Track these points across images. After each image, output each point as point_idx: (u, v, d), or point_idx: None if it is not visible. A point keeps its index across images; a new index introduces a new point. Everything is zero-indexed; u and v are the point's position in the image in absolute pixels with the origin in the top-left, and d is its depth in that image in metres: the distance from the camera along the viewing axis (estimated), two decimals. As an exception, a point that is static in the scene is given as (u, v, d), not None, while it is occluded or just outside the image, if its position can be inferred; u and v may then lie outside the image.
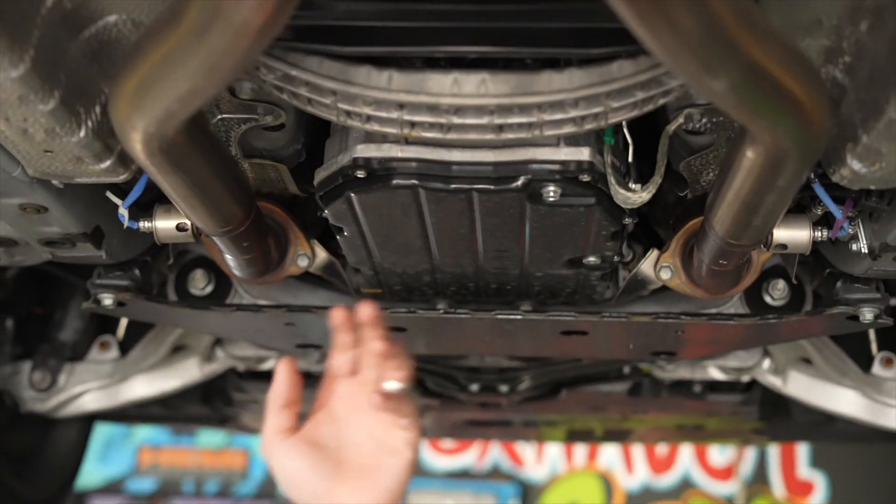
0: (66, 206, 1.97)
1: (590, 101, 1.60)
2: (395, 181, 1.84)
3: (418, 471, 6.80)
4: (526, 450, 7.30)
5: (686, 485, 7.23)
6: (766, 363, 3.16)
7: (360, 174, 1.84)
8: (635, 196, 1.89)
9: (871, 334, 3.12)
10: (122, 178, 1.81)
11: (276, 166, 2.05)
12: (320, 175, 1.94)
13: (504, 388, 3.26)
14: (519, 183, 1.84)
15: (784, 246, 2.11)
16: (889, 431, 3.16)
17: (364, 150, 1.83)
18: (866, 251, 2.05)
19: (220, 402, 3.57)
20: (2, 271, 3.00)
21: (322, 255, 2.35)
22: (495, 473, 7.35)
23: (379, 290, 2.49)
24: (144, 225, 2.10)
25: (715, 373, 3.26)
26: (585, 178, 1.84)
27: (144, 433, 7.33)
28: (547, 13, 1.52)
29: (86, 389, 3.22)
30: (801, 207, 2.13)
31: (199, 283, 2.64)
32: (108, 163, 1.74)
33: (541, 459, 7.31)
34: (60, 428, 3.55)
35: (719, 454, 7.15)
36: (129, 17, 1.53)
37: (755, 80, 1.31)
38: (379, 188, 1.86)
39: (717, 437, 4.53)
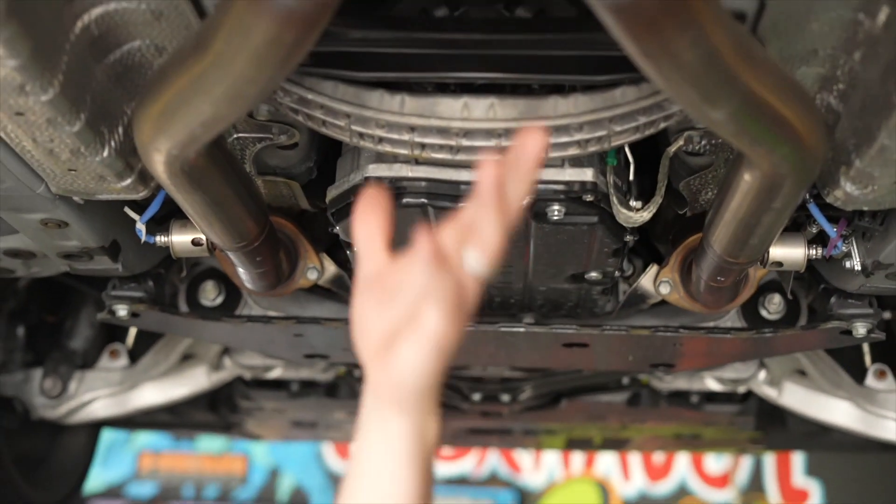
0: (86, 221, 2.03)
1: (594, 126, 1.67)
2: (405, 200, 1.90)
3: None
4: (524, 457, 7.32)
5: (682, 492, 7.25)
6: (762, 375, 3.23)
7: None
8: (636, 215, 1.95)
9: (865, 347, 3.18)
10: (141, 195, 1.87)
11: (289, 183, 2.11)
12: (332, 193, 2.01)
13: (506, 397, 3.32)
14: (524, 202, 1.90)
15: (780, 263, 2.18)
16: (882, 442, 3.22)
17: (375, 170, 1.90)
18: (859, 269, 2.11)
19: (226, 409, 3.62)
20: (14, 281, 3.06)
21: (331, 268, 2.41)
22: (493, 480, 7.37)
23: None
24: (161, 239, 2.16)
25: (712, 384, 3.31)
26: (589, 197, 1.90)
27: (145, 438, 7.34)
28: (553, 42, 1.58)
29: (96, 396, 3.27)
30: (796, 225, 2.19)
31: (210, 294, 2.69)
32: (128, 181, 1.80)
33: (538, 466, 7.34)
34: (70, 434, 3.60)
35: (715, 462, 7.17)
36: (152, 42, 1.59)
37: (753, 109, 1.37)
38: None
39: (713, 446, 4.57)
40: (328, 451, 7.33)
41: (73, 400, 3.26)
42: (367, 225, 1.40)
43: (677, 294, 2.38)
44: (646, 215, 1.96)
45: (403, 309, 1.28)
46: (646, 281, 2.41)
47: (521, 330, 2.50)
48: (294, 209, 2.29)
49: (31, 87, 1.46)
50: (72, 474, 3.71)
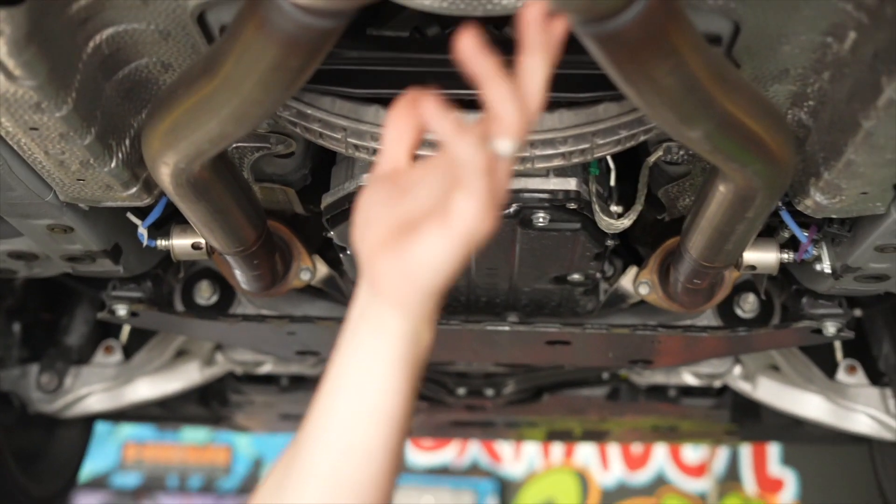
0: (90, 227, 2.11)
1: (577, 139, 1.76)
2: None
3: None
4: (504, 447, 7.40)
5: (660, 482, 7.34)
6: (737, 370, 3.32)
7: None
8: (617, 223, 2.05)
9: (837, 343, 3.28)
10: (145, 202, 1.96)
11: (285, 189, 2.20)
12: (327, 200, 2.09)
13: (490, 392, 3.40)
14: (511, 210, 2.00)
15: (753, 267, 2.28)
16: (852, 434, 3.32)
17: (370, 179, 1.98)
18: (829, 272, 2.21)
19: (216, 402, 3.69)
20: (11, 279, 3.13)
21: (323, 269, 2.49)
22: (474, 470, 7.45)
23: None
24: (162, 243, 2.24)
25: (689, 378, 3.40)
26: (572, 206, 2.00)
27: (129, 429, 7.38)
28: None
29: (90, 391, 3.34)
30: (770, 229, 2.29)
31: (205, 293, 2.77)
32: (134, 189, 1.88)
33: (519, 457, 7.42)
34: (64, 428, 3.65)
35: (693, 452, 7.26)
36: (159, 59, 1.67)
37: (727, 129, 1.47)
38: None
39: (690, 437, 4.67)
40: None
41: (68, 395, 3.32)
42: (400, 126, 1.29)
43: (655, 295, 2.48)
44: (626, 222, 2.05)
45: (426, 200, 1.18)
46: (626, 281, 2.51)
47: (506, 329, 2.59)
48: (288, 212, 2.37)
49: (47, 105, 1.54)
50: (67, 467, 3.77)
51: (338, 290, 2.58)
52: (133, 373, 3.33)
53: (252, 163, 2.08)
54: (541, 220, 2.01)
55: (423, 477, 7.41)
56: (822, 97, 1.69)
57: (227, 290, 2.78)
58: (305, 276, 2.47)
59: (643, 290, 2.48)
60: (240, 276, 2.32)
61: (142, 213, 2.16)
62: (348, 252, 2.25)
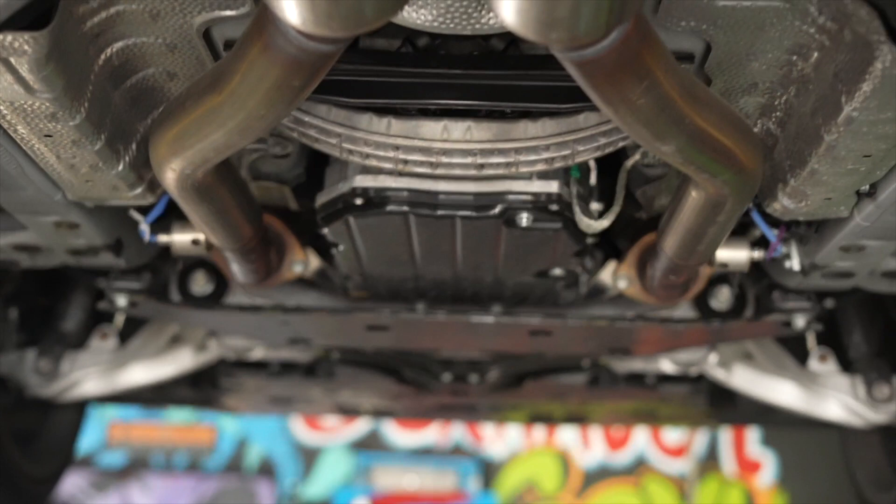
0: (95, 223, 2.21)
1: (559, 146, 1.87)
2: (388, 208, 2.10)
3: (382, 447, 6.96)
4: (487, 429, 7.50)
5: (640, 463, 7.45)
6: (713, 357, 3.42)
7: (358, 201, 2.09)
8: (596, 224, 2.16)
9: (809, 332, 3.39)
10: (149, 201, 2.06)
11: (281, 187, 2.30)
12: (321, 199, 2.19)
13: (474, 378, 3.50)
14: (496, 210, 2.10)
15: (726, 264, 2.39)
16: (823, 421, 3.43)
17: (362, 181, 2.09)
18: (798, 269, 2.32)
19: (207, 385, 3.77)
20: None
21: (315, 262, 2.59)
22: (457, 450, 7.55)
23: (365, 292, 2.73)
24: (163, 239, 2.34)
25: (666, 366, 3.50)
26: (554, 207, 2.10)
27: (115, 409, 7.42)
28: (523, 74, 1.77)
29: (86, 375, 3.40)
30: (743, 227, 2.40)
31: (200, 283, 2.85)
32: (139, 190, 1.99)
33: (501, 438, 7.52)
34: (60, 411, 3.74)
35: (672, 434, 7.36)
36: (165, 69, 1.77)
37: (698, 143, 1.58)
38: (374, 213, 2.11)
39: (669, 420, 4.77)
40: (296, 422, 7.49)
41: (64, 379, 3.38)
42: None
43: (633, 288, 2.59)
44: (605, 223, 2.16)
45: None
46: (605, 275, 2.62)
47: (491, 320, 2.70)
48: (282, 207, 2.47)
49: (61, 115, 1.64)
50: (62, 448, 3.85)
51: (329, 280, 2.68)
52: (128, 358, 3.40)
53: (250, 162, 2.18)
54: (524, 220, 2.12)
55: (406, 457, 7.52)
56: (789, 110, 1.79)
57: (221, 280, 2.85)
58: (298, 269, 2.57)
59: (622, 284, 2.59)
60: (236, 270, 2.42)
61: (144, 209, 2.25)
62: (341, 248, 2.35)
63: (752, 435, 7.31)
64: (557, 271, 2.49)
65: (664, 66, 1.43)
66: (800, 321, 2.68)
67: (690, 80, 1.54)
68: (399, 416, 5.03)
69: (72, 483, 7.17)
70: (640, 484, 7.44)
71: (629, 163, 2.13)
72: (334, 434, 7.59)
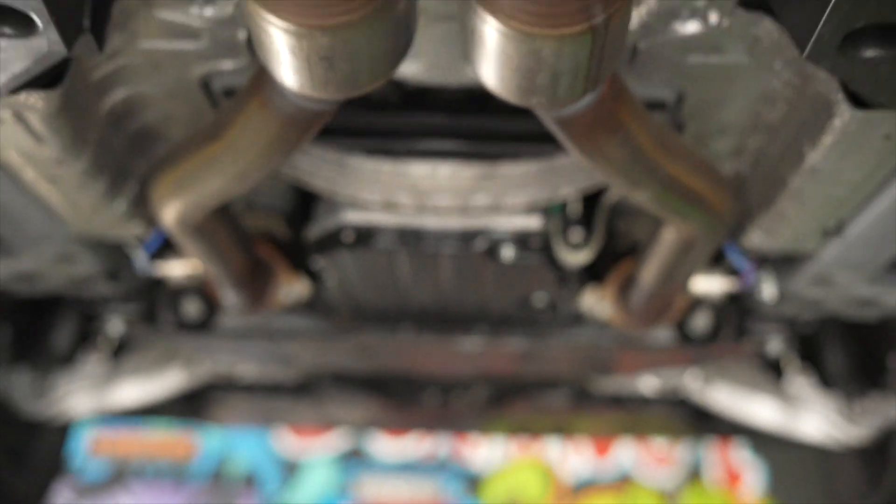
0: (94, 254, 2.29)
1: (542, 186, 1.96)
2: (377, 243, 2.19)
3: (366, 458, 6.95)
4: (471, 441, 7.55)
5: (626, 475, 7.50)
6: (693, 376, 3.52)
7: (348, 236, 2.18)
8: (576, 258, 2.25)
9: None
10: (146, 235, 2.14)
11: (273, 217, 2.38)
12: (313, 232, 2.28)
13: (459, 394, 3.59)
14: (480, 246, 2.20)
15: (701, 293, 2.50)
16: (799, 437, 3.53)
17: (352, 217, 2.18)
18: (770, 298, 2.42)
19: (196, 400, 3.84)
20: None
21: (304, 287, 2.67)
22: (441, 463, 7.59)
23: (354, 317, 2.81)
24: (159, 270, 2.42)
25: (647, 383, 3.60)
26: (536, 243, 2.20)
27: (96, 420, 7.46)
28: (507, 120, 1.87)
29: (76, 393, 3.45)
30: (719, 256, 2.49)
31: (191, 307, 2.92)
32: (137, 225, 2.07)
33: (486, 450, 7.57)
34: (50, 427, 3.78)
35: (657, 446, 7.41)
36: (164, 114, 1.85)
37: (670, 189, 1.68)
38: (363, 247, 2.20)
39: (652, 433, 4.85)
40: (279, 435, 7.54)
41: (54, 396, 3.44)
42: None
43: (613, 313, 2.67)
44: (583, 258, 2.26)
45: None
46: (586, 300, 2.71)
47: (475, 343, 2.79)
48: (273, 234, 2.55)
49: (68, 160, 1.72)
50: (50, 464, 3.91)
51: (317, 304, 2.77)
52: (118, 376, 3.45)
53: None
54: (507, 254, 2.21)
55: (389, 469, 7.56)
56: (758, 153, 1.89)
57: (212, 303, 2.92)
58: (288, 295, 2.65)
59: (601, 309, 2.68)
60: (228, 296, 2.50)
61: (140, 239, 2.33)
62: (331, 278, 2.44)
63: (739, 445, 7.35)
64: (539, 299, 2.58)
65: (638, 121, 1.52)
66: (775, 345, 2.78)
67: (663, 131, 1.64)
68: (382, 428, 5.09)
69: (55, 495, 7.19)
70: (626, 496, 7.51)
71: (608, 201, 2.22)
72: (318, 445, 7.65)
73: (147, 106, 1.82)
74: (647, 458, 7.46)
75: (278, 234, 2.52)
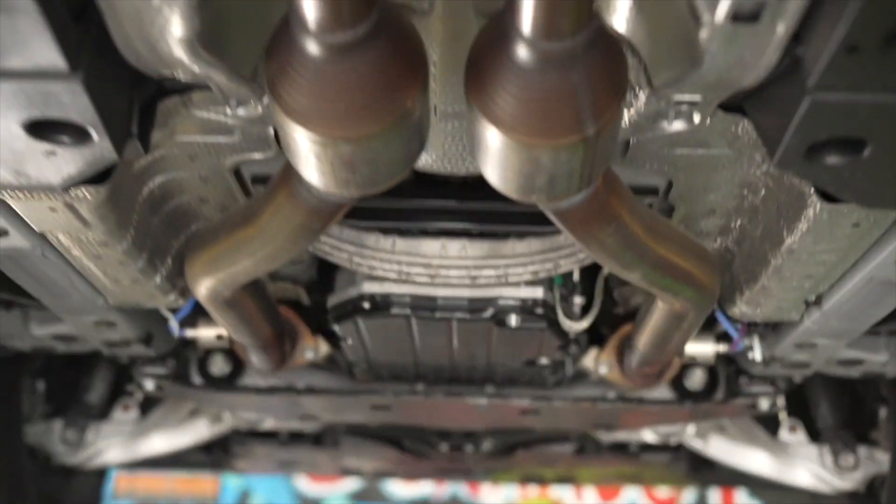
0: (129, 321, 2.46)
1: (544, 261, 2.13)
2: (392, 310, 2.36)
3: (381, 498, 7.02)
4: (482, 488, 7.64)
5: (633, 513, 7.59)
6: (691, 429, 3.68)
7: (366, 304, 2.35)
8: (577, 325, 2.41)
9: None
10: (179, 305, 2.30)
11: (296, 287, 2.55)
12: (332, 301, 2.45)
13: (469, 447, 3.75)
14: (488, 313, 2.36)
15: (694, 356, 2.66)
16: (794, 488, 3.67)
17: (369, 287, 2.34)
18: (759, 360, 2.58)
19: (219, 451, 4.00)
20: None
21: (324, 348, 2.84)
22: (453, 502, 7.69)
23: (370, 376, 2.98)
24: (190, 334, 2.59)
25: (648, 436, 3.76)
26: (539, 310, 2.36)
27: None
28: (511, 203, 2.03)
29: (109, 445, 3.64)
30: (711, 322, 2.65)
31: (218, 365, 3.08)
32: (172, 296, 2.23)
33: (496, 490, 7.67)
34: (83, 477, 3.95)
35: (664, 490, 7.50)
36: (198, 196, 2.01)
37: (660, 270, 1.83)
38: (380, 315, 2.37)
39: (655, 482, 4.99)
40: (300, 475, 7.64)
41: (89, 448, 3.63)
42: None
43: (614, 374, 2.84)
44: (584, 325, 2.42)
45: None
46: (588, 361, 2.87)
47: (484, 401, 2.95)
48: (295, 300, 2.72)
49: (111, 242, 1.88)
50: None
51: (336, 364, 2.94)
52: (148, 429, 3.64)
53: None
54: (513, 321, 2.37)
55: (404, 504, 7.67)
56: (743, 232, 2.05)
57: (238, 361, 3.09)
58: (309, 355, 2.81)
59: (602, 369, 2.84)
60: (255, 359, 2.67)
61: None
62: (349, 342, 2.60)
63: (742, 489, 7.42)
64: (544, 360, 2.74)
65: (629, 210, 1.68)
66: (764, 404, 2.95)
67: (653, 217, 1.79)
68: (396, 477, 5.24)
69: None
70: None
71: (605, 272, 2.39)
72: (334, 486, 7.76)
73: (182, 190, 1.97)
74: (655, 500, 7.55)
75: (301, 300, 2.69)
